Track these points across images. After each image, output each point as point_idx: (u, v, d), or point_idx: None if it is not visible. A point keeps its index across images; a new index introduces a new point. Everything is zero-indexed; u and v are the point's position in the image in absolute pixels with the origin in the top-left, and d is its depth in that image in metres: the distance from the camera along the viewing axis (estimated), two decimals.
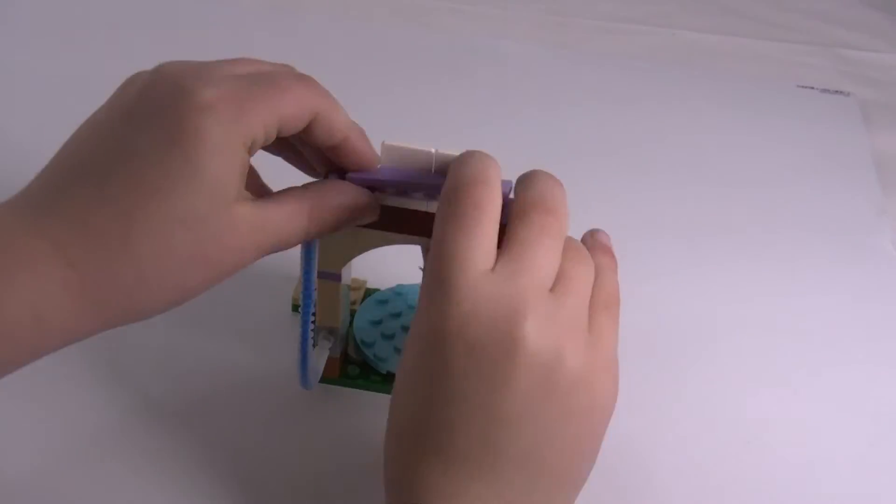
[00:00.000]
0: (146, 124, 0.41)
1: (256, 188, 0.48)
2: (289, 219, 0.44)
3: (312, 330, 0.50)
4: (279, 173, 0.49)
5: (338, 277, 0.51)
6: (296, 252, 0.48)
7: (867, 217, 0.76)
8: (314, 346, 0.52)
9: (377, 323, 0.57)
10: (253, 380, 0.57)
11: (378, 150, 0.47)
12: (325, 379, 0.55)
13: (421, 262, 0.50)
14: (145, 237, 0.39)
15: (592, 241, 0.49)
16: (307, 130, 0.45)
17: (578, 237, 0.70)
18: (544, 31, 0.97)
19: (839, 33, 1.00)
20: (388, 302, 0.59)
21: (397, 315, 0.58)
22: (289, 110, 0.43)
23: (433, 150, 0.47)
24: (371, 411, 0.55)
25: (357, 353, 0.56)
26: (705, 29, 0.99)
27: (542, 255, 0.43)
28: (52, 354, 0.40)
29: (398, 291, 0.59)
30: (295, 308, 0.59)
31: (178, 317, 0.44)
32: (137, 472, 0.51)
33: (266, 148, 0.45)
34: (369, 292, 0.61)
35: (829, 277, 0.70)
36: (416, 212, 0.48)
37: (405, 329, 0.56)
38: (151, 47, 0.87)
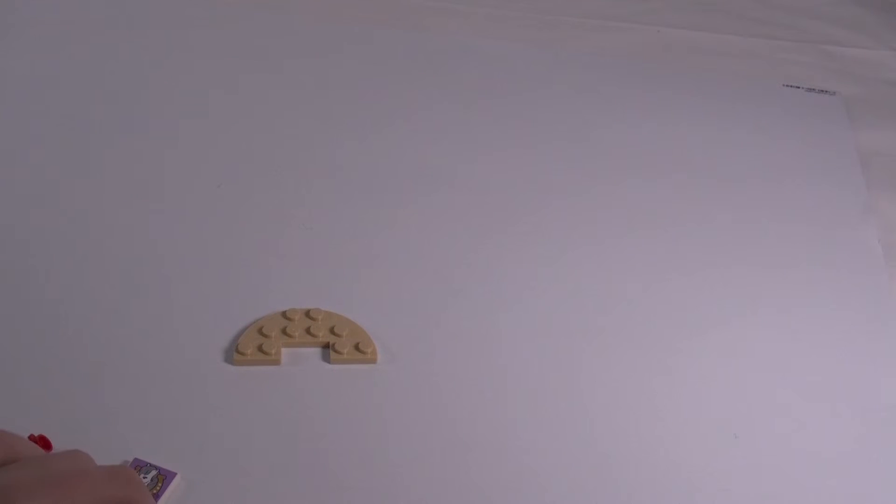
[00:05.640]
0: None
1: None
2: None
3: None
4: None
5: None
6: None
7: (853, 214, 0.76)
8: None
9: None
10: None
11: None
12: None
13: None
14: None
15: None
16: None
17: (566, 232, 0.71)
18: (531, 29, 0.97)
19: (825, 29, 1.01)
20: None
21: None
22: None
23: None
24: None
25: None
26: (691, 26, 1.00)
27: None
28: None
29: None
30: None
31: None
32: None
33: None
34: None
35: (816, 274, 0.70)
36: None
37: None
38: (149, 49, 0.87)
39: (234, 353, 0.57)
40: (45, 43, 0.87)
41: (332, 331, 0.59)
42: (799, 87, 0.91)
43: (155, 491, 0.49)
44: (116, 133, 0.76)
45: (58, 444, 0.51)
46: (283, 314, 0.60)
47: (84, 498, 0.42)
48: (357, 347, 0.58)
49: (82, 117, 0.78)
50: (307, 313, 0.60)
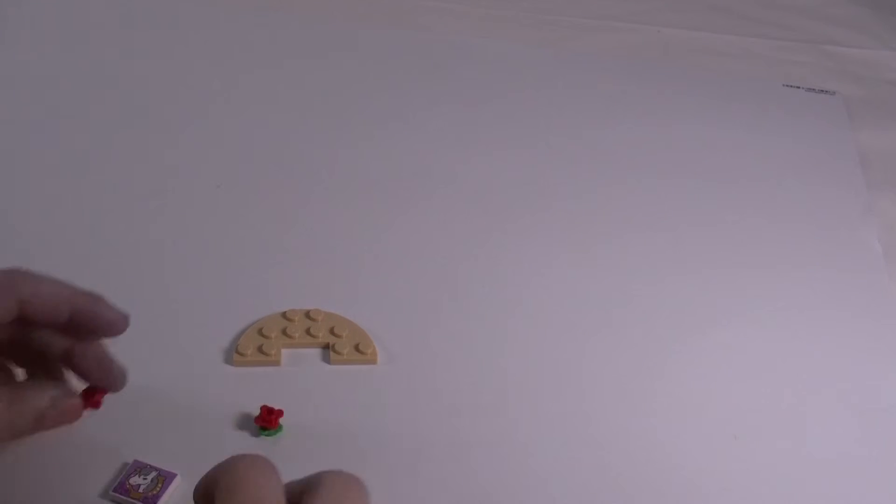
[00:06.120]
0: None
1: None
2: None
3: None
4: None
5: None
6: None
7: (853, 214, 0.76)
8: None
9: None
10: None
11: None
12: None
13: None
14: None
15: None
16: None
17: (566, 232, 0.71)
18: (531, 29, 0.97)
19: (825, 29, 1.01)
20: None
21: None
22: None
23: None
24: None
25: None
26: (691, 26, 1.00)
27: None
28: None
29: None
30: None
31: None
32: None
33: None
34: None
35: (816, 274, 0.70)
36: None
37: None
38: (149, 48, 0.87)
39: (233, 354, 0.57)
40: (45, 43, 0.87)
41: (332, 331, 0.59)
42: (799, 87, 0.91)
43: (155, 492, 0.49)
44: (116, 133, 0.76)
45: (59, 445, 0.51)
46: (283, 315, 0.60)
47: None
48: (357, 348, 0.58)
49: (82, 117, 0.78)
50: (307, 314, 0.60)
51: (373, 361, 0.58)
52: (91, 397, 0.52)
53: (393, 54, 0.91)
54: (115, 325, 0.49)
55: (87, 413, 0.52)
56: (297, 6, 0.97)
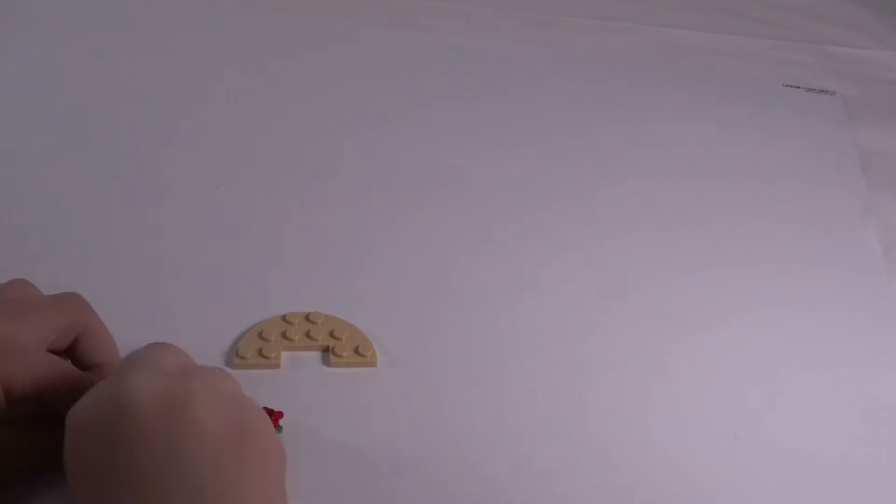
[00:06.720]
0: None
1: None
2: None
3: None
4: None
5: None
6: None
7: (853, 214, 0.76)
8: None
9: None
10: None
11: None
12: None
13: None
14: None
15: None
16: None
17: (566, 232, 0.71)
18: (531, 29, 0.97)
19: (825, 29, 1.01)
20: None
21: None
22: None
23: None
24: None
25: None
26: (691, 26, 1.00)
27: None
28: None
29: None
30: None
31: None
32: None
33: None
34: None
35: (816, 274, 0.70)
36: None
37: None
38: (147, 48, 0.87)
39: (233, 357, 0.57)
40: (45, 43, 0.87)
41: (331, 334, 0.59)
42: (799, 87, 0.91)
43: None
44: (114, 133, 0.76)
45: None
46: (283, 318, 0.60)
47: (33, 331, 0.45)
48: (357, 351, 0.58)
49: (81, 117, 0.78)
50: (307, 317, 0.60)
51: (372, 364, 0.58)
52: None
53: (393, 54, 0.91)
54: None
55: None
56: (298, 6, 0.97)
